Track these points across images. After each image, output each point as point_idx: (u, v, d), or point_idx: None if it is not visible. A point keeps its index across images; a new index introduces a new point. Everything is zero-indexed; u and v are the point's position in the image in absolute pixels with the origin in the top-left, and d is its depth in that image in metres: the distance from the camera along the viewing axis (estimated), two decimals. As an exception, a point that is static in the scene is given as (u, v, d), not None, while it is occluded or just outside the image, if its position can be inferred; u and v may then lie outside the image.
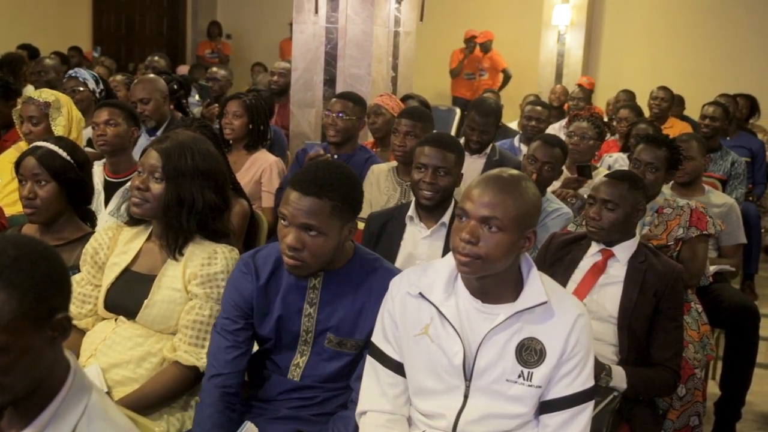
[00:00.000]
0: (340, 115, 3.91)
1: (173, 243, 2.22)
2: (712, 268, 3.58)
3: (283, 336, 2.15)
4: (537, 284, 1.84)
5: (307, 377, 2.13)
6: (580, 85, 7.89)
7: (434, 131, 3.55)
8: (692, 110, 7.12)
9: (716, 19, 9.39)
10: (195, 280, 2.21)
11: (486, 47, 9.64)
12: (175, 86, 4.94)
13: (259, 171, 3.96)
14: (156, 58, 6.89)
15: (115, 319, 2.26)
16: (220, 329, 2.13)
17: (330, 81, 4.99)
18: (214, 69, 6.41)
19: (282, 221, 2.01)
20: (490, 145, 4.21)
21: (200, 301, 2.20)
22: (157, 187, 2.19)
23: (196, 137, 2.33)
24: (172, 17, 11.78)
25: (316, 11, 4.87)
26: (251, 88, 6.02)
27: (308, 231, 1.97)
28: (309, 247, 1.98)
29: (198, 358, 2.17)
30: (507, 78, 9.70)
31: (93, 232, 2.50)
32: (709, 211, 3.33)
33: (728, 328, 3.58)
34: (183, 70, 8.69)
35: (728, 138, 5.84)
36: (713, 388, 3.66)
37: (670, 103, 6.40)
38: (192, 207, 2.20)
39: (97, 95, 4.58)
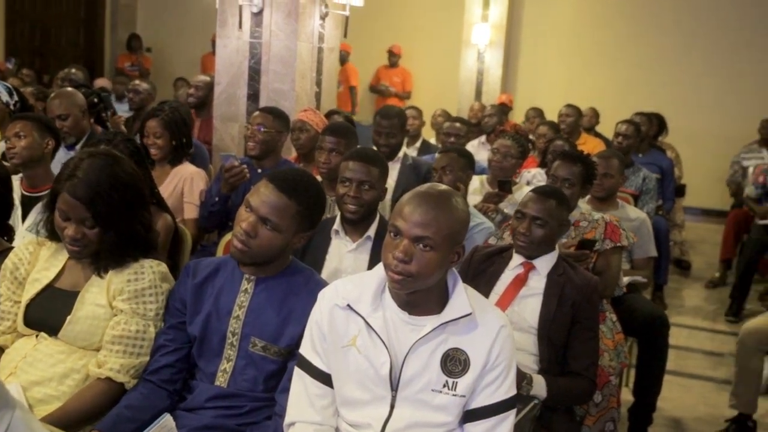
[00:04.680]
0: (260, 128, 3.90)
1: (104, 263, 2.19)
2: (626, 279, 3.72)
3: (210, 336, 2.18)
4: (462, 297, 1.89)
5: (233, 384, 2.16)
6: (502, 103, 8.05)
7: (358, 146, 3.59)
8: (605, 126, 7.41)
9: (627, 39, 9.76)
10: (121, 295, 2.17)
11: (342, 58, 9.50)
12: (95, 100, 4.84)
13: (180, 182, 3.90)
14: (73, 70, 6.73)
15: (36, 336, 2.20)
16: (158, 332, 2.21)
17: (254, 96, 4.98)
18: (137, 82, 6.29)
19: (245, 208, 2.11)
20: (402, 150, 4.32)
21: (126, 317, 2.17)
22: (92, 233, 2.14)
23: (105, 166, 2.15)
24: (89, 29, 11.50)
25: (240, 26, 4.86)
26: (164, 101, 5.88)
27: (266, 223, 2.08)
28: (260, 237, 2.09)
29: (125, 373, 2.14)
30: (353, 94, 9.84)
31: (11, 248, 2.44)
32: (622, 225, 3.46)
33: (640, 336, 3.72)
34: (101, 82, 8.50)
35: (640, 155, 6.10)
36: (627, 395, 3.79)
37: (576, 117, 6.71)
38: (130, 234, 2.19)
39: (11, 107, 4.44)
